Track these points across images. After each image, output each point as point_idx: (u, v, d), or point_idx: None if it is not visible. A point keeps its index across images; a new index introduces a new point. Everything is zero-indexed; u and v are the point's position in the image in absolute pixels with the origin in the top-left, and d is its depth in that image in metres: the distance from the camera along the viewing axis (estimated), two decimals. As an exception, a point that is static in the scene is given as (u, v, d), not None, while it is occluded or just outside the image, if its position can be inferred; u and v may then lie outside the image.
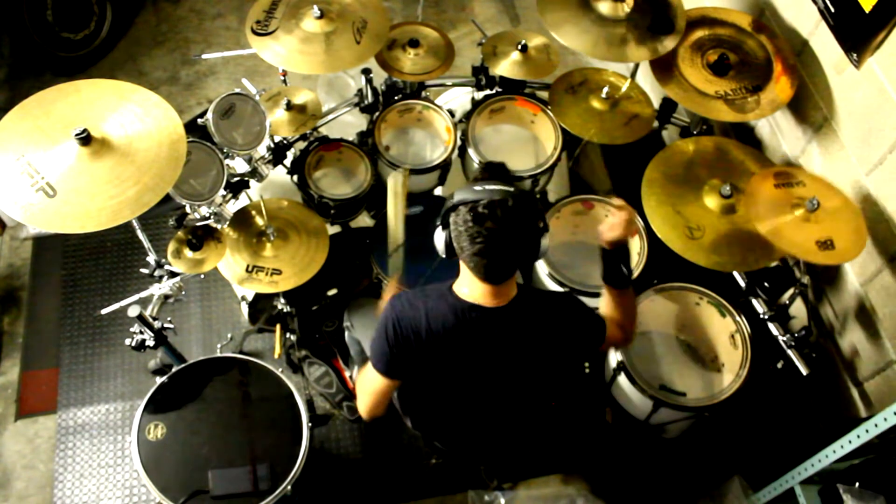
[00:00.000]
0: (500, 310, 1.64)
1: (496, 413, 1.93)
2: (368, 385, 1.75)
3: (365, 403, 1.79)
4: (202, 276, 2.14)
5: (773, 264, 2.12)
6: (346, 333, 2.37)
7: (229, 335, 2.78)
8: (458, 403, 1.90)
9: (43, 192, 1.68)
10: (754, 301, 2.23)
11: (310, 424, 2.05)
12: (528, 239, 1.61)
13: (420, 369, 1.73)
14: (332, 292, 2.64)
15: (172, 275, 2.17)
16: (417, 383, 1.88)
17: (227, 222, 2.20)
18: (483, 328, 1.65)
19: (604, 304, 1.88)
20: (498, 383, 1.81)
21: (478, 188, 1.54)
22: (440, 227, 1.65)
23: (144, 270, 2.20)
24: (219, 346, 2.67)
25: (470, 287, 1.64)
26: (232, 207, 2.25)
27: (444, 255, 1.67)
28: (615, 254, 1.80)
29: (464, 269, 1.64)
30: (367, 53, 2.31)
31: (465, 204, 1.54)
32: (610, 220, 1.81)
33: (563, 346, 1.75)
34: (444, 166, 2.53)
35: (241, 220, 2.23)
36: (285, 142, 2.38)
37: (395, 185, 2.10)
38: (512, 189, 1.54)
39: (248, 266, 2.15)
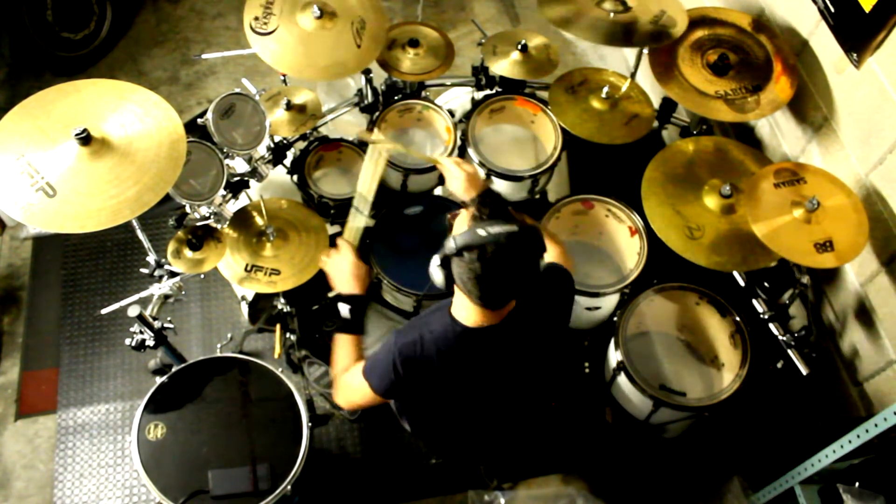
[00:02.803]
0: (502, 324, 1.64)
1: (498, 419, 1.94)
2: (358, 393, 1.75)
3: (348, 401, 1.84)
4: (202, 276, 2.13)
5: (773, 264, 2.12)
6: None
7: (229, 335, 2.78)
8: (461, 416, 1.90)
9: (43, 191, 1.68)
10: (754, 301, 2.23)
11: (310, 424, 2.05)
12: (530, 270, 1.59)
13: (425, 396, 1.75)
14: (332, 293, 2.63)
15: (172, 275, 2.17)
16: (420, 403, 1.89)
17: (227, 222, 2.20)
18: (487, 347, 1.66)
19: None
20: (503, 392, 1.82)
21: (482, 232, 1.51)
22: (438, 265, 1.59)
23: (144, 270, 2.20)
24: (219, 346, 2.67)
25: (468, 311, 1.63)
26: (232, 207, 2.25)
27: (442, 289, 1.64)
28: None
29: (461, 295, 1.62)
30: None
31: (470, 249, 1.51)
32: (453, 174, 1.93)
33: (557, 318, 1.82)
34: (444, 166, 2.52)
35: (241, 220, 2.23)
36: (285, 142, 2.38)
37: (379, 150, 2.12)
38: (516, 228, 1.52)
39: (246, 265, 2.15)
